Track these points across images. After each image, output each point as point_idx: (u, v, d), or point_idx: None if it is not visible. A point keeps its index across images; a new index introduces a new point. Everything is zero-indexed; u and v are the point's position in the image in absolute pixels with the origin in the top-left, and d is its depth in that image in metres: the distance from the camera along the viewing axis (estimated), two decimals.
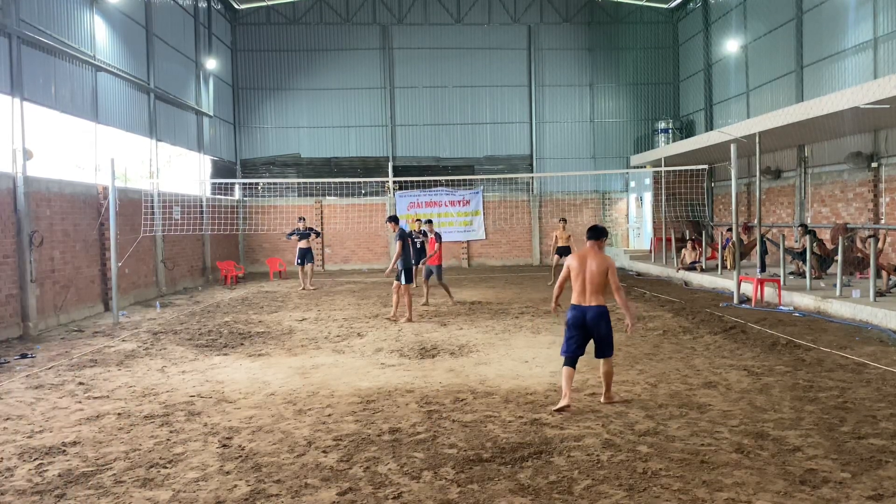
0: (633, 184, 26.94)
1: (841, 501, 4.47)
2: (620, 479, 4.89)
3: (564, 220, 19.00)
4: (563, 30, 27.12)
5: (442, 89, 26.78)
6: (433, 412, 6.68)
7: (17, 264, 11.92)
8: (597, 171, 25.91)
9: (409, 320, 12.46)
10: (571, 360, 6.80)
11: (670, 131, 25.56)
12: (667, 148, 23.48)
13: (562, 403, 6.61)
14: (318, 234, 19.77)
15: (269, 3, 26.23)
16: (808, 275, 13.72)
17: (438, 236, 15.24)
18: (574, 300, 6.91)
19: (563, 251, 18.30)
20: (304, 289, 18.47)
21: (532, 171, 26.70)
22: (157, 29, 18.85)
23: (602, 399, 6.88)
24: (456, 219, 26.33)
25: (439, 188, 26.28)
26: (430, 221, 18.41)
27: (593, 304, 6.78)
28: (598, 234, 7.09)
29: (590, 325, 6.75)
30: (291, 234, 19.47)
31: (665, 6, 27.14)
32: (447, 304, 14.74)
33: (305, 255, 19.02)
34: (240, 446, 5.81)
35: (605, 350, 6.78)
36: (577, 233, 25.23)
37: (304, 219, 19.59)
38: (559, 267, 18.63)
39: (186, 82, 21.38)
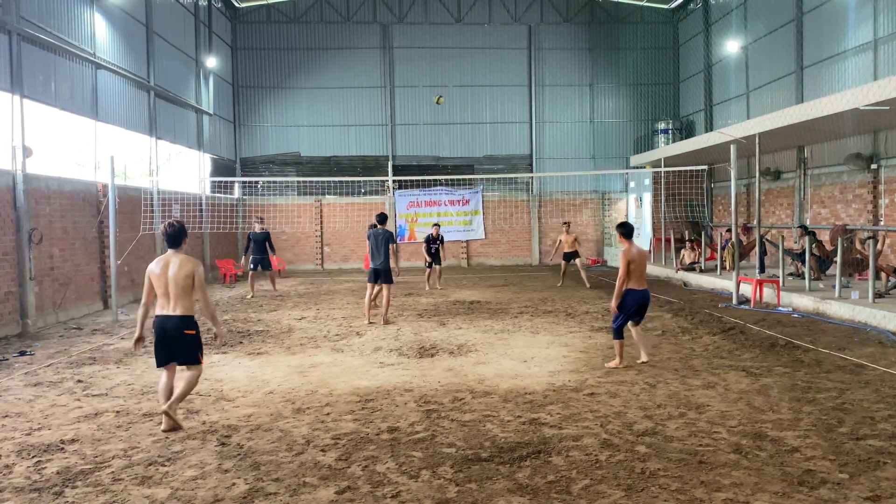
0: (632, 184, 26.92)
1: (839, 502, 4.47)
2: (619, 479, 4.89)
3: (568, 224, 18.51)
4: (564, 30, 27.12)
5: (442, 89, 26.71)
6: (432, 411, 6.68)
7: (16, 261, 11.92)
8: (596, 172, 25.92)
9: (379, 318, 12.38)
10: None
11: (670, 132, 25.55)
12: (666, 148, 23.48)
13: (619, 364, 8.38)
14: (272, 249, 17.14)
15: (270, 1, 26.22)
16: (807, 276, 13.73)
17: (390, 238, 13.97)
18: (635, 286, 8.39)
19: (570, 256, 17.79)
20: (252, 297, 16.33)
21: (532, 171, 26.70)
22: (157, 27, 18.83)
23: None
24: (455, 218, 26.33)
25: (439, 187, 26.27)
26: (437, 225, 18.18)
27: (645, 286, 8.49)
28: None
29: (645, 303, 8.53)
30: (248, 248, 16.79)
31: (665, 7, 27.14)
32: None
33: (262, 261, 16.68)
34: (238, 444, 5.81)
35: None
36: (577, 233, 25.39)
37: (262, 219, 17.45)
38: (566, 272, 18.10)
39: (186, 80, 21.37)
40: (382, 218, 12.41)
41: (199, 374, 6.39)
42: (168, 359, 6.27)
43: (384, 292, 12.29)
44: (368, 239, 12.27)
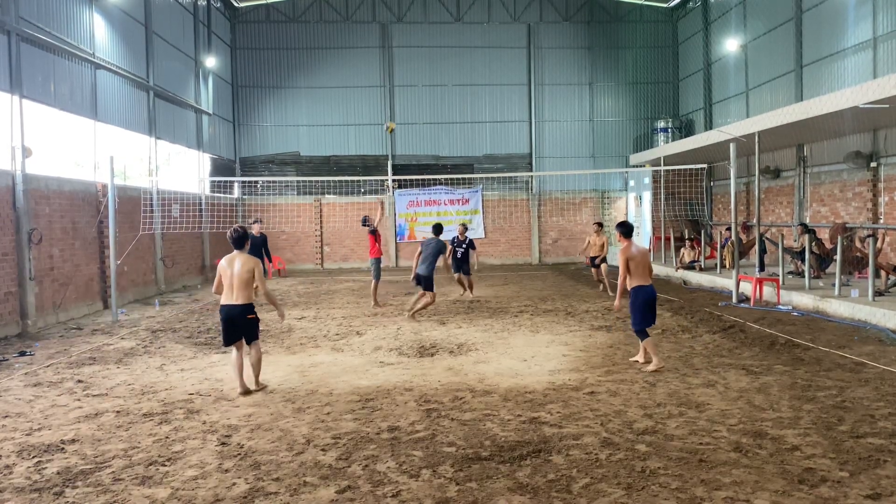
0: (632, 183, 26.93)
1: (839, 500, 4.48)
2: (619, 478, 4.89)
3: (600, 225, 16.41)
4: (563, 28, 27.11)
5: (441, 88, 26.75)
6: (432, 411, 6.68)
7: (16, 262, 11.91)
8: (596, 170, 25.89)
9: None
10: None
11: (669, 130, 25.53)
12: (666, 147, 23.47)
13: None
14: (268, 255, 16.33)
15: (269, 1, 26.20)
16: (806, 274, 13.73)
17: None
18: (641, 282, 8.34)
19: (596, 261, 16.17)
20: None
21: (531, 170, 26.69)
22: (156, 27, 18.82)
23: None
24: (455, 217, 26.24)
25: (438, 187, 26.26)
26: (464, 226, 16.17)
27: (651, 283, 8.44)
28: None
29: (653, 299, 8.38)
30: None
31: (665, 5, 27.12)
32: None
33: None
34: (238, 444, 5.81)
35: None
36: (582, 232, 25.43)
37: (261, 221, 16.56)
38: (601, 279, 16.32)
39: (186, 80, 21.36)
40: (438, 229, 13.19)
41: (260, 346, 7.80)
42: (234, 339, 7.57)
43: (424, 296, 12.80)
44: (422, 246, 12.88)
